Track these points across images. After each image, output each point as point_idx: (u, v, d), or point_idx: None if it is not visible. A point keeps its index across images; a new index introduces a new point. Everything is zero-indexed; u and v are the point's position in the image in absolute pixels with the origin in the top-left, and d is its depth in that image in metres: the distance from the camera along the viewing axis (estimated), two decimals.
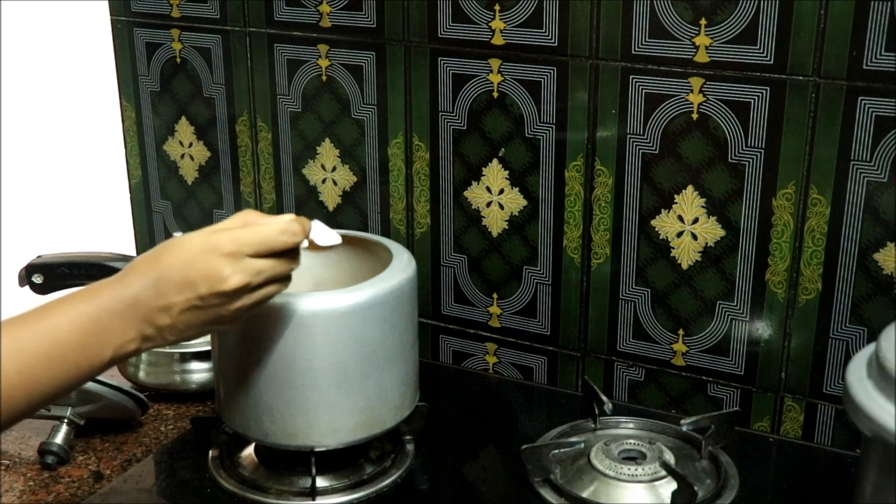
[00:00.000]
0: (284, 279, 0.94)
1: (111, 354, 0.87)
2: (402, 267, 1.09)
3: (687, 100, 1.15)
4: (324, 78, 1.37)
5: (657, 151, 1.18)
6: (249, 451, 1.15)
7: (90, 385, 1.15)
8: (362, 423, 1.07)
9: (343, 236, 1.12)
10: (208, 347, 1.29)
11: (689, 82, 1.14)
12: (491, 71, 1.25)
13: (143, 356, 1.29)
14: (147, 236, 1.59)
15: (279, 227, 0.91)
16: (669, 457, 1.09)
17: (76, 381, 0.87)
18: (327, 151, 1.40)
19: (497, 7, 1.22)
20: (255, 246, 0.89)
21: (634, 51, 1.16)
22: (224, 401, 1.10)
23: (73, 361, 0.85)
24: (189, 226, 1.54)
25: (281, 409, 1.04)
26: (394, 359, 1.07)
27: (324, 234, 1.00)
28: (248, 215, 0.94)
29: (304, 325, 1.01)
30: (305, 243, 0.96)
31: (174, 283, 0.88)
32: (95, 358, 0.86)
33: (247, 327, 1.03)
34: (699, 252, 1.20)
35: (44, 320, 0.85)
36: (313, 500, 1.07)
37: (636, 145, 1.19)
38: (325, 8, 1.33)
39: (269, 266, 0.91)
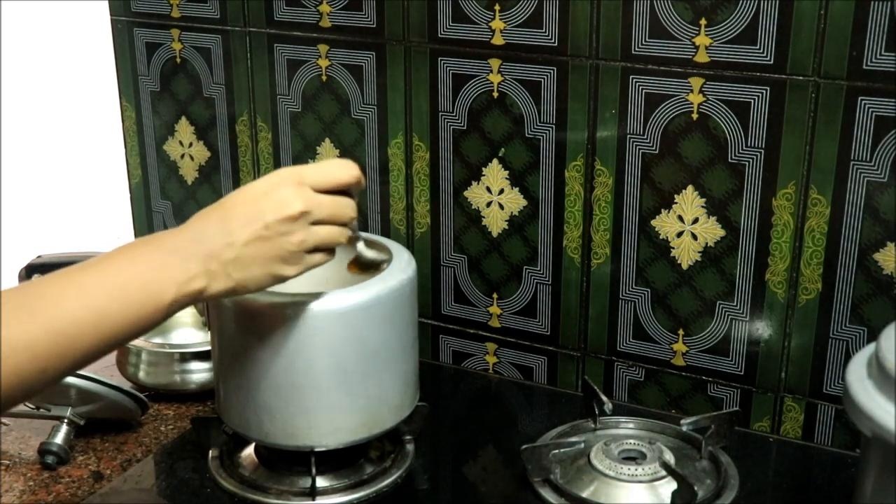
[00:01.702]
0: (341, 228, 0.95)
1: (175, 292, 0.86)
2: (402, 267, 1.09)
3: (687, 100, 1.15)
4: (324, 78, 1.37)
5: (657, 151, 1.18)
6: (249, 451, 1.15)
7: (90, 385, 1.15)
8: (362, 423, 1.07)
9: None
10: (208, 347, 1.29)
11: (689, 82, 1.14)
12: (491, 71, 1.25)
13: (143, 356, 1.29)
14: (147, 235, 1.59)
15: (337, 161, 0.96)
16: (669, 457, 1.09)
17: (143, 322, 0.85)
18: (327, 151, 1.40)
19: (497, 7, 1.22)
20: (316, 177, 0.93)
21: (634, 51, 1.16)
22: (224, 401, 1.10)
23: (137, 299, 0.84)
24: None
25: (281, 409, 1.04)
26: (394, 359, 1.07)
27: (368, 251, 1.05)
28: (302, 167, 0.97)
29: (304, 325, 1.01)
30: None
31: (240, 217, 0.90)
32: (158, 295, 0.85)
33: (247, 327, 1.03)
34: (699, 252, 1.20)
35: (106, 261, 0.86)
36: (313, 500, 1.07)
37: (636, 145, 1.19)
38: (325, 8, 1.33)
39: (329, 201, 0.93)
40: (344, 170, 0.95)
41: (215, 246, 0.89)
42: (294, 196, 0.91)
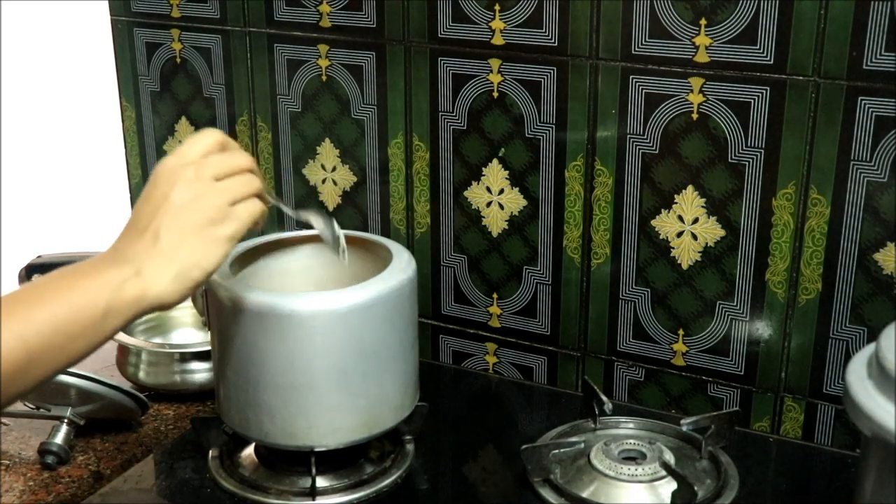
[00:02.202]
0: (248, 175, 0.91)
1: (108, 298, 0.81)
2: (402, 267, 1.09)
3: (687, 100, 1.15)
4: (324, 78, 1.37)
5: (657, 151, 1.18)
6: (249, 451, 1.15)
7: (90, 385, 1.15)
8: (362, 423, 1.07)
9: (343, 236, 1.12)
10: (208, 347, 1.29)
11: (689, 82, 1.14)
12: (491, 71, 1.25)
13: (143, 356, 1.29)
14: None
15: (198, 134, 0.92)
16: (669, 457, 1.09)
17: (81, 337, 0.80)
18: (327, 151, 1.40)
19: (497, 7, 1.22)
20: (187, 148, 0.89)
21: (634, 51, 1.16)
22: (224, 401, 1.10)
23: (69, 313, 0.80)
24: None
25: (281, 409, 1.04)
26: (394, 359, 1.07)
27: (328, 233, 1.03)
28: None
29: (304, 325, 1.01)
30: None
31: (145, 211, 0.86)
32: (91, 305, 0.80)
33: (247, 327, 1.03)
34: (699, 252, 1.20)
35: (34, 287, 0.83)
36: (313, 500, 1.07)
37: (636, 145, 1.19)
38: (325, 8, 1.33)
39: (214, 154, 0.89)
40: (207, 135, 0.91)
41: (138, 245, 0.85)
42: (179, 165, 0.87)
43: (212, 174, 0.88)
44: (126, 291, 0.82)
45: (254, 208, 0.90)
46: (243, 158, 0.92)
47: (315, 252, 1.18)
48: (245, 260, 1.13)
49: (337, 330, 1.03)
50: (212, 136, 0.91)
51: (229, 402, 1.08)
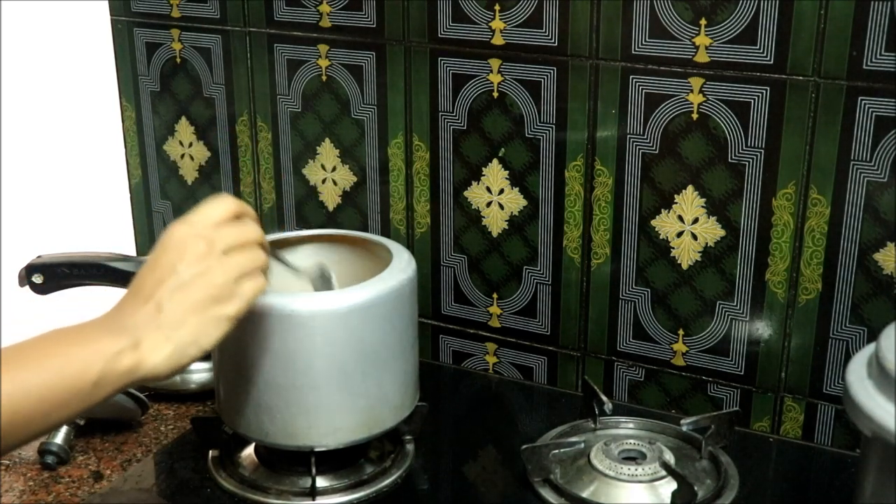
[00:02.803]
0: (257, 249, 0.91)
1: (101, 368, 0.80)
2: (402, 267, 1.09)
3: (687, 100, 1.15)
4: (324, 78, 1.37)
5: (657, 151, 1.18)
6: (249, 451, 1.15)
7: None
8: (362, 423, 1.07)
9: (343, 236, 1.12)
10: None
11: (689, 82, 1.14)
12: (491, 71, 1.25)
13: None
14: (147, 236, 1.59)
15: (214, 199, 0.91)
16: (669, 457, 1.09)
17: (64, 402, 0.79)
18: (327, 151, 1.40)
19: (497, 7, 1.22)
20: (202, 216, 0.89)
21: (634, 51, 1.16)
22: (224, 401, 1.10)
23: (59, 380, 0.79)
24: None
25: (281, 409, 1.04)
26: (394, 359, 1.07)
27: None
28: None
29: (304, 325, 1.01)
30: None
31: (151, 281, 0.85)
32: (82, 373, 0.79)
33: (247, 328, 1.03)
34: (699, 252, 1.20)
35: (30, 346, 0.81)
36: (313, 500, 1.07)
37: (636, 145, 1.19)
38: (325, 8, 1.33)
39: (228, 226, 0.89)
40: (222, 203, 0.91)
41: (139, 315, 0.84)
42: (190, 235, 0.87)
43: (222, 248, 0.88)
44: (121, 362, 0.82)
45: (258, 285, 0.90)
46: (254, 231, 0.92)
47: (315, 252, 1.19)
48: None
49: (337, 330, 1.03)
50: (227, 206, 0.91)
51: (229, 402, 1.08)
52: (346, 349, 1.03)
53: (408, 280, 1.08)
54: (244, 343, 1.04)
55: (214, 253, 0.87)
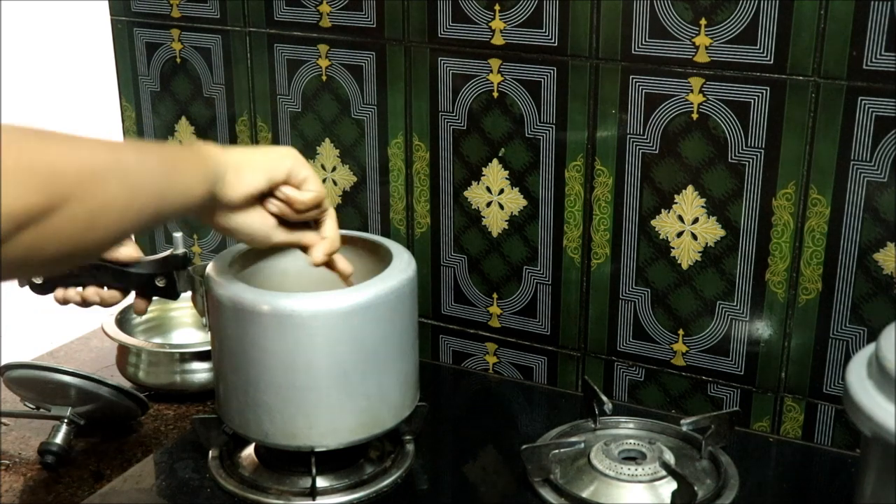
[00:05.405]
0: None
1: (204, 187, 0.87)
2: (402, 267, 1.09)
3: (687, 100, 1.15)
4: (324, 78, 1.37)
5: (657, 151, 1.18)
6: (249, 451, 1.15)
7: (90, 385, 1.15)
8: (362, 424, 1.07)
9: (343, 237, 1.12)
10: (208, 347, 1.28)
11: (689, 82, 1.14)
12: (491, 71, 1.25)
13: (143, 356, 1.29)
14: (147, 236, 1.59)
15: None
16: (669, 457, 1.09)
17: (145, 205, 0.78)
18: (327, 151, 1.40)
19: (497, 7, 1.22)
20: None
21: (634, 51, 1.16)
22: (224, 401, 1.10)
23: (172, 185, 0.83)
24: (189, 227, 1.54)
25: (281, 409, 1.04)
26: (394, 359, 1.07)
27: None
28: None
29: (304, 326, 1.01)
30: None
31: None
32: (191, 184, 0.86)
33: (247, 328, 1.03)
34: (699, 252, 1.20)
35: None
36: (313, 500, 1.07)
37: (636, 145, 1.19)
38: (325, 8, 1.33)
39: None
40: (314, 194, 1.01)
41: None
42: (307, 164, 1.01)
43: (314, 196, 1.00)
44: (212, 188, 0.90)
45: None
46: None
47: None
48: (245, 260, 1.13)
49: (337, 330, 1.03)
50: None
51: (229, 402, 1.08)
52: (347, 349, 1.03)
53: (408, 280, 1.08)
54: (244, 343, 1.04)
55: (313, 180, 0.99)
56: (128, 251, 1.07)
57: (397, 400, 1.09)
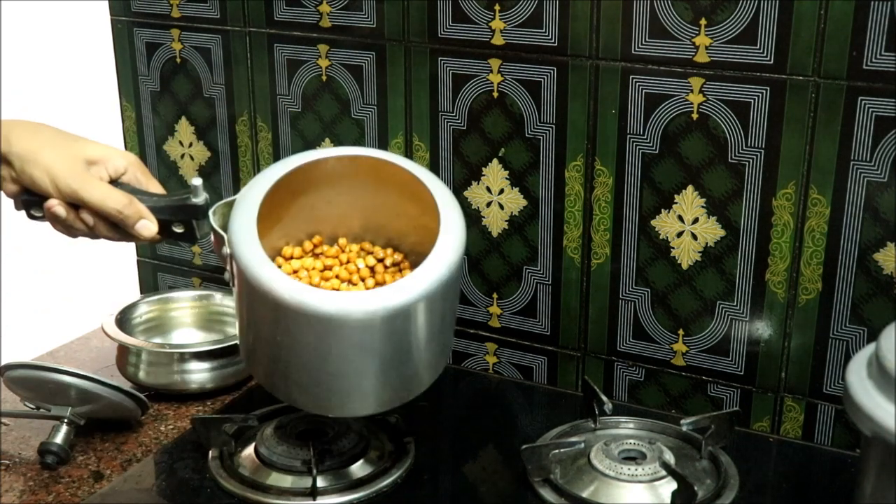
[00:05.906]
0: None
1: None
2: (451, 245, 1.01)
3: (687, 100, 1.15)
4: (324, 78, 1.37)
5: (657, 151, 1.18)
6: (249, 451, 1.15)
7: (90, 385, 1.15)
8: (392, 398, 1.07)
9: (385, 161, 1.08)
10: (208, 347, 1.29)
11: (689, 82, 1.14)
12: (491, 71, 1.25)
13: (143, 356, 1.29)
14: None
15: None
16: (669, 457, 1.09)
17: None
18: None
19: (497, 7, 1.22)
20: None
21: (634, 51, 1.16)
22: (250, 355, 1.09)
23: None
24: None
25: (312, 386, 1.04)
26: (433, 339, 1.06)
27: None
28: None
29: (346, 327, 0.98)
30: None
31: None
32: None
33: (280, 320, 1.00)
34: (699, 252, 1.20)
35: None
36: (314, 499, 1.07)
37: (636, 145, 1.19)
38: (325, 8, 1.33)
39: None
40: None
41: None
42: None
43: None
44: None
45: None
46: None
47: (351, 187, 1.13)
48: (273, 203, 1.05)
49: (379, 332, 1.00)
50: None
51: (258, 359, 1.08)
52: (387, 348, 1.02)
53: (457, 264, 1.01)
54: (276, 331, 1.01)
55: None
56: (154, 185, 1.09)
57: (429, 373, 1.08)
